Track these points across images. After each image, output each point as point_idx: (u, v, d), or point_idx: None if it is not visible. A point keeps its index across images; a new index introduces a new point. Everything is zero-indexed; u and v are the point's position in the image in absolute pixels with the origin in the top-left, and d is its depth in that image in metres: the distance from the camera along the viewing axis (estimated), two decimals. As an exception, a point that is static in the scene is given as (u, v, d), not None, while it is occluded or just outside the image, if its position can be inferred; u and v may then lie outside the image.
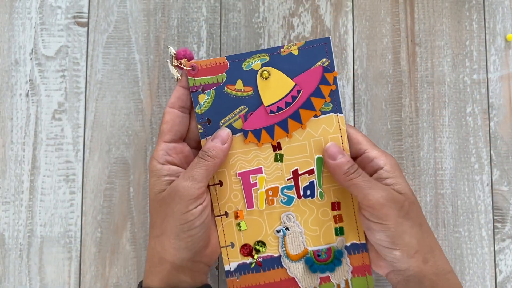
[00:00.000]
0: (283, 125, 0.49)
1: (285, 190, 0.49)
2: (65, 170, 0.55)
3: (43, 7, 0.57)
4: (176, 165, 0.48)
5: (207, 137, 0.49)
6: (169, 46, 0.51)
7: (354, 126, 0.55)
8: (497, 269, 0.55)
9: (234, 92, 0.48)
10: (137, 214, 0.55)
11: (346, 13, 0.57)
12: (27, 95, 0.56)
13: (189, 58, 0.49)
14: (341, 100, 0.55)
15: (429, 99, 0.56)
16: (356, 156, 0.49)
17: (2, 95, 0.56)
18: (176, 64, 0.49)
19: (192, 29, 0.56)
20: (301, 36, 0.56)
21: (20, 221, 0.55)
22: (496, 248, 0.55)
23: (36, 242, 0.55)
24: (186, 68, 0.48)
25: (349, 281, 0.49)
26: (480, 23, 0.56)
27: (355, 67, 0.56)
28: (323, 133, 0.49)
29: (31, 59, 0.56)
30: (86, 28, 0.57)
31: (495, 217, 0.55)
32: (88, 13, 0.57)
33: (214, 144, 0.47)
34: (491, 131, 0.56)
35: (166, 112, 0.48)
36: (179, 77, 0.49)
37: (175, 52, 0.49)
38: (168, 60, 0.50)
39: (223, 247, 0.49)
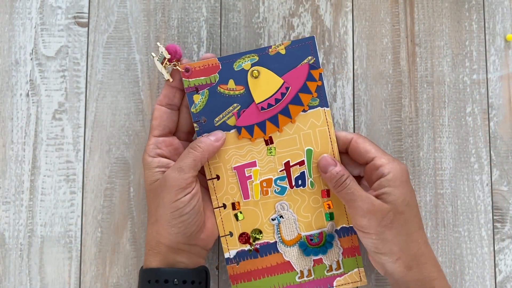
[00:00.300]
0: (274, 121, 0.52)
1: (278, 181, 0.52)
2: (66, 170, 0.55)
3: (43, 7, 0.57)
4: (166, 157, 0.51)
5: (203, 135, 0.51)
6: (159, 44, 0.51)
7: (354, 126, 0.56)
8: (496, 269, 0.55)
9: (226, 91, 0.51)
10: (138, 214, 0.55)
11: (346, 13, 0.57)
12: (28, 95, 0.56)
13: (179, 56, 0.51)
14: (341, 100, 0.56)
15: (428, 99, 0.56)
16: (366, 164, 0.51)
17: (3, 95, 0.56)
18: (169, 65, 0.50)
19: (192, 29, 0.57)
20: (301, 36, 0.56)
21: (20, 221, 0.55)
22: (495, 248, 0.55)
23: (36, 242, 0.55)
24: (181, 70, 0.50)
25: (340, 262, 0.53)
26: (480, 23, 0.57)
27: (355, 67, 0.56)
28: (312, 126, 0.52)
29: (31, 59, 0.56)
30: (86, 28, 0.57)
31: (494, 217, 0.55)
32: (89, 13, 0.57)
33: (206, 138, 0.50)
34: (490, 131, 0.56)
35: (155, 109, 0.51)
36: (171, 79, 0.51)
37: (169, 55, 0.50)
38: (156, 58, 0.51)
39: (222, 236, 0.52)
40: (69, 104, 0.56)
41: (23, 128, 0.56)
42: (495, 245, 0.55)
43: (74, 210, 0.55)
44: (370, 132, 0.56)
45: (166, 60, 0.50)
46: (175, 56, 0.50)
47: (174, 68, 0.51)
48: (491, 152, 0.55)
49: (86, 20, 0.57)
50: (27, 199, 0.55)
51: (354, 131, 0.56)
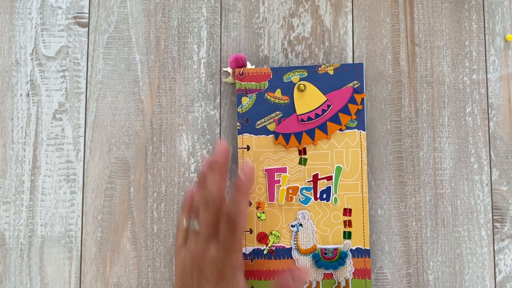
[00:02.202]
0: (311, 134, 0.54)
1: (304, 191, 0.54)
2: (66, 170, 0.56)
3: (43, 8, 0.57)
4: None
5: (244, 134, 0.54)
6: (226, 69, 0.55)
7: (354, 126, 0.56)
8: (496, 269, 0.55)
9: (272, 99, 0.55)
10: (138, 213, 0.55)
11: (346, 14, 0.57)
12: (28, 95, 0.56)
13: (244, 64, 0.55)
14: (341, 100, 0.56)
15: (428, 99, 0.56)
16: None
17: (3, 95, 0.56)
18: (237, 74, 0.55)
19: (193, 29, 0.57)
20: (301, 36, 0.56)
21: (20, 221, 0.55)
22: (495, 248, 0.55)
23: (36, 241, 0.55)
24: (236, 73, 0.55)
25: (349, 281, 0.53)
26: (480, 24, 0.57)
27: (355, 67, 0.56)
28: (345, 145, 0.54)
29: (31, 59, 0.56)
30: (86, 29, 0.57)
31: (494, 217, 0.55)
32: (89, 13, 0.57)
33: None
34: (490, 131, 0.56)
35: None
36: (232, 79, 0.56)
37: (242, 72, 0.54)
38: (230, 78, 0.55)
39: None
40: (70, 104, 0.56)
41: (23, 128, 0.56)
42: (495, 245, 0.55)
43: (74, 210, 0.55)
44: (370, 132, 0.56)
45: (240, 72, 0.54)
46: (241, 66, 0.55)
47: (238, 75, 0.55)
48: (491, 152, 0.56)
49: (86, 20, 0.57)
50: (28, 199, 0.55)
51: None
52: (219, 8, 0.57)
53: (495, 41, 0.56)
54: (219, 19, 0.57)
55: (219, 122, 0.56)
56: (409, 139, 0.56)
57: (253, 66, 0.55)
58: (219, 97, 0.56)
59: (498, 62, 0.56)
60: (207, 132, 0.56)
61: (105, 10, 0.57)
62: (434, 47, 0.56)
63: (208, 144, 0.56)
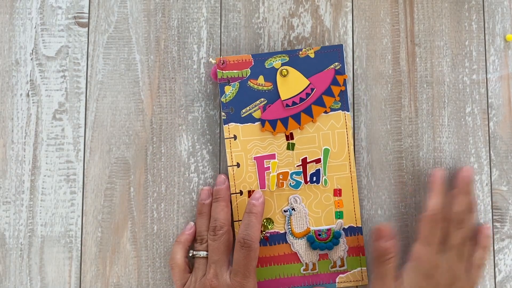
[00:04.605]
0: (296, 118, 0.54)
1: (294, 175, 0.54)
2: (66, 170, 0.56)
3: (43, 8, 0.57)
4: None
5: (229, 124, 0.54)
6: (211, 60, 0.55)
7: (353, 126, 0.56)
8: (496, 269, 0.55)
9: (256, 86, 0.55)
10: (138, 213, 0.55)
11: (346, 14, 0.57)
12: (28, 95, 0.56)
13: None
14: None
15: (428, 99, 0.56)
16: None
17: (3, 95, 0.56)
18: (218, 63, 0.54)
19: (192, 29, 0.57)
20: (301, 36, 0.56)
21: (20, 221, 0.55)
22: (495, 248, 0.55)
23: (36, 241, 0.55)
24: (216, 62, 0.54)
25: (344, 259, 0.54)
26: (480, 24, 0.57)
27: (355, 67, 0.56)
28: (331, 127, 0.54)
29: (31, 59, 0.56)
30: (86, 29, 0.57)
31: (494, 217, 0.55)
32: (89, 13, 0.57)
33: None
34: (490, 131, 0.56)
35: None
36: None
37: (223, 61, 0.54)
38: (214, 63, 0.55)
39: (235, 221, 0.54)
40: (70, 104, 0.56)
41: (23, 128, 0.56)
42: (495, 245, 0.55)
43: (74, 210, 0.55)
44: (369, 132, 0.56)
45: (221, 61, 0.54)
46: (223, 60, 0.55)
47: (220, 66, 0.54)
48: (491, 152, 0.56)
49: (86, 20, 0.57)
50: (28, 199, 0.55)
51: (354, 131, 0.56)
52: (219, 8, 0.57)
53: (495, 41, 0.56)
54: (219, 19, 0.57)
55: (219, 122, 0.56)
56: (409, 139, 0.56)
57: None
58: (219, 97, 0.56)
59: (498, 62, 0.56)
60: (207, 132, 0.56)
61: (105, 10, 0.57)
62: (434, 47, 0.56)
63: (208, 144, 0.56)
